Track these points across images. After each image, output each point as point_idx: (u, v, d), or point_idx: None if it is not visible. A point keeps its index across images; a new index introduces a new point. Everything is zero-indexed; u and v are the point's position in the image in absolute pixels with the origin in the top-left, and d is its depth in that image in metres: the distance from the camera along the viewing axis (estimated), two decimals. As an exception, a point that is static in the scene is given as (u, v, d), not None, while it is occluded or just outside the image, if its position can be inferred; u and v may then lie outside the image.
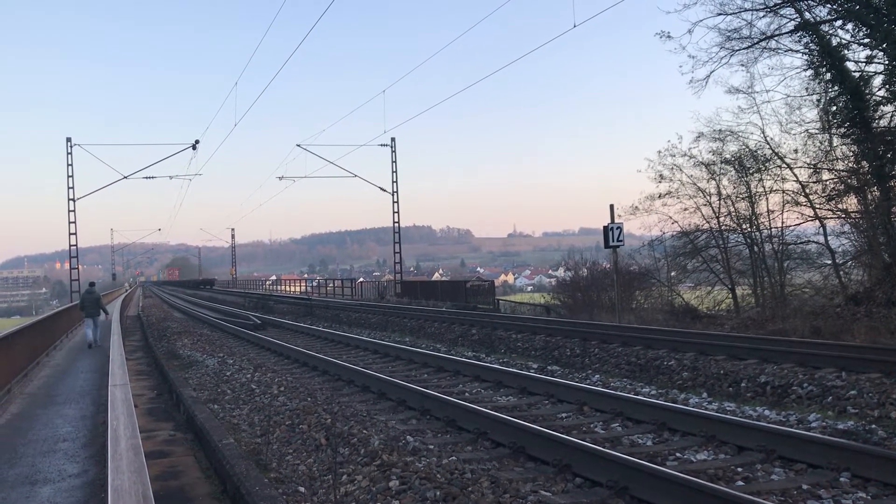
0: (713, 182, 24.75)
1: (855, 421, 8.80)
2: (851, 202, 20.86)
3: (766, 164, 23.29)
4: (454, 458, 7.49)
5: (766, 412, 9.67)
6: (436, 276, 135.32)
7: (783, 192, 22.86)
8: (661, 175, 25.63)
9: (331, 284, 58.39)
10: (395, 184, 42.93)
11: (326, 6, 17.05)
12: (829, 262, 21.90)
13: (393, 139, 43.20)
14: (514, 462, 7.79)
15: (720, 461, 7.51)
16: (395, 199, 42.96)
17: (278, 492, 6.30)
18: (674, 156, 25.38)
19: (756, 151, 23.47)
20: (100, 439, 8.57)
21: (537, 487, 6.73)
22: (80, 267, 42.64)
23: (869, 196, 19.96)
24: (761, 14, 19.79)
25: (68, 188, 39.31)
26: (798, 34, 19.84)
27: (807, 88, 20.85)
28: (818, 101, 20.54)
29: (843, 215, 21.29)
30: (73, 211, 39.75)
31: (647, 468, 6.43)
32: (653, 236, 26.57)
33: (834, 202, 21.13)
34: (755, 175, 23.64)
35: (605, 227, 20.08)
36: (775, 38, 20.07)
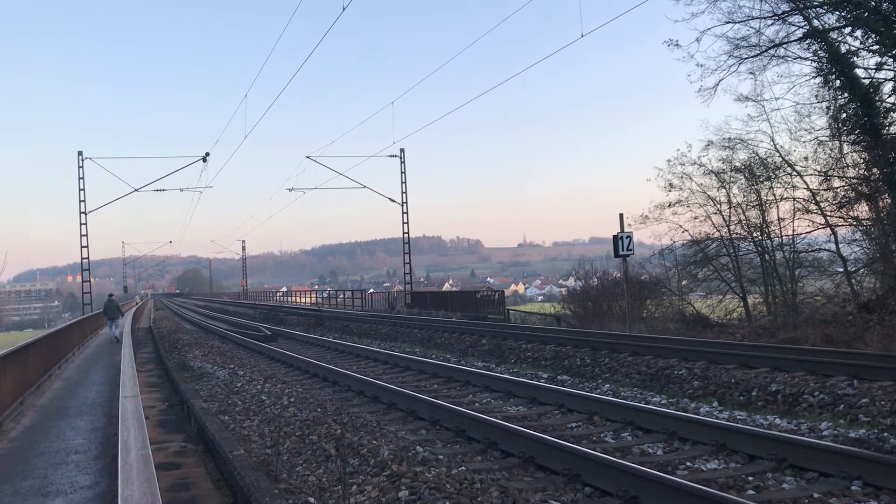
0: (723, 190, 24.71)
1: (867, 429, 8.74)
2: (862, 209, 20.79)
3: (777, 172, 23.24)
4: (464, 468, 7.49)
5: (778, 421, 9.61)
6: (446, 287, 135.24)
7: (794, 199, 22.80)
8: (670, 184, 25.61)
9: (341, 295, 58.45)
10: (404, 194, 43.01)
11: (335, 18, 17.18)
12: (841, 269, 21.79)
13: (402, 150, 43.29)
14: (524, 472, 7.77)
15: (731, 470, 7.47)
16: (405, 210, 43.02)
17: (288, 503, 6.32)
18: (683, 164, 25.37)
19: (766, 159, 23.43)
20: (111, 451, 8.61)
21: (547, 497, 6.71)
22: (91, 280, 42.89)
23: (880, 203, 19.88)
24: (769, 22, 19.80)
25: (80, 201, 39.62)
26: (807, 42, 19.85)
27: (816, 96, 20.85)
28: (828, 108, 20.52)
29: (855, 223, 21.21)
30: (85, 224, 40.04)
31: (657, 477, 6.41)
32: (663, 245, 26.54)
33: (845, 209, 21.06)
34: (765, 183, 23.59)
35: (614, 236, 20.04)
36: (784, 45, 20.08)
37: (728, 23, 20.07)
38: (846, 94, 19.50)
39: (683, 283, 27.59)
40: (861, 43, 18.90)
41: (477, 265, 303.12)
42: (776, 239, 23.37)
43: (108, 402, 12.77)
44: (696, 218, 25.22)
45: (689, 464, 7.78)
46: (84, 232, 40.20)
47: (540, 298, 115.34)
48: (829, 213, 21.64)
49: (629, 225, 23.43)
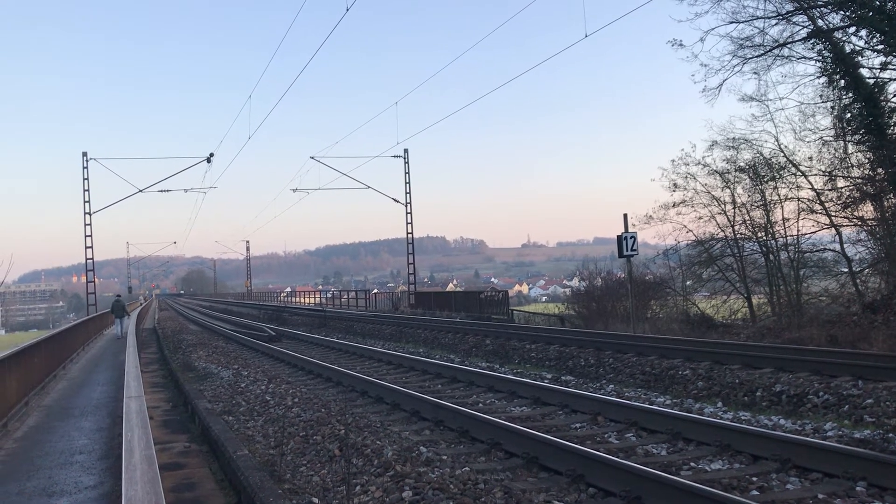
0: (728, 190, 24.65)
1: (872, 430, 8.71)
2: (867, 209, 20.72)
3: (781, 172, 23.17)
4: (467, 468, 7.49)
5: (782, 421, 9.60)
6: (450, 287, 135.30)
7: (798, 199, 22.74)
8: (675, 184, 25.55)
9: (345, 296, 58.49)
10: (408, 195, 43.07)
11: (339, 18, 17.21)
12: (846, 269, 21.72)
13: (406, 150, 43.41)
14: (528, 472, 7.77)
15: (735, 471, 7.45)
16: (409, 211, 43.08)
17: (292, 503, 6.33)
18: (687, 164, 25.31)
19: (770, 159, 23.37)
20: (116, 451, 8.61)
21: (550, 498, 6.71)
22: (96, 280, 43.00)
23: (885, 203, 19.82)
24: (774, 22, 19.73)
25: (84, 202, 39.74)
26: (811, 41, 19.78)
27: (821, 96, 20.79)
28: (832, 108, 20.46)
29: (860, 223, 21.14)
30: (90, 224, 40.16)
31: (661, 478, 6.40)
32: (667, 245, 26.49)
33: (850, 210, 20.99)
34: (770, 183, 23.52)
35: (619, 236, 19.98)
36: (788, 45, 20.02)
37: (732, 23, 20.01)
38: (851, 94, 19.44)
39: (688, 283, 27.56)
40: (866, 42, 18.85)
41: (481, 265, 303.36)
42: (780, 239, 23.32)
43: (113, 402, 12.79)
44: (700, 218, 25.18)
45: (693, 464, 7.76)
46: (89, 232, 40.32)
47: (544, 299, 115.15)
48: (833, 214, 21.58)
49: (633, 225, 23.42)
